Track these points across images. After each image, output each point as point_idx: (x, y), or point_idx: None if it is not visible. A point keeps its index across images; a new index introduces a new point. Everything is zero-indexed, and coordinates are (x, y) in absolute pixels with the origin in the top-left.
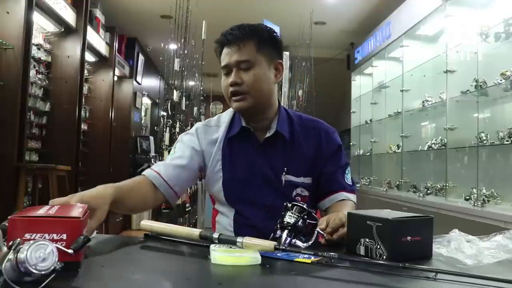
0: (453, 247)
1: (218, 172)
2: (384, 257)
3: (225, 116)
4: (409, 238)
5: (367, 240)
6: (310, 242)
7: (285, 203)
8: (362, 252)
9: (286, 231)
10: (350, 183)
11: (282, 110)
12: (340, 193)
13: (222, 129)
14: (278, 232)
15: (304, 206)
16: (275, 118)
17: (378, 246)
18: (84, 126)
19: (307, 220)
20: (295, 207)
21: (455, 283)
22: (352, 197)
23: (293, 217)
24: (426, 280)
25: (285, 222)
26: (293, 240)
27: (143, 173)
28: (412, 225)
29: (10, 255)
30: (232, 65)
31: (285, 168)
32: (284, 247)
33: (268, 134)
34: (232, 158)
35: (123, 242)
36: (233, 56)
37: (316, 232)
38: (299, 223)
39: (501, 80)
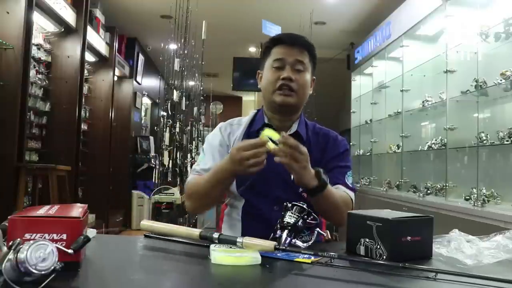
0: (453, 247)
1: None
2: (384, 257)
3: (246, 117)
4: (409, 238)
5: (367, 240)
6: (310, 242)
7: (285, 203)
8: (362, 252)
9: (286, 231)
10: (350, 184)
11: (302, 116)
12: (337, 185)
13: (242, 127)
14: (278, 232)
15: (304, 206)
16: (296, 120)
17: (378, 246)
18: (84, 126)
19: (307, 220)
20: (295, 207)
21: (455, 283)
22: (350, 193)
23: (293, 217)
24: (426, 280)
25: (285, 222)
26: (293, 240)
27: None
28: (412, 225)
29: (10, 255)
30: (289, 62)
31: None
32: (284, 247)
33: (288, 132)
34: None
35: (123, 242)
36: (292, 55)
37: (316, 232)
38: (299, 223)
39: (501, 80)
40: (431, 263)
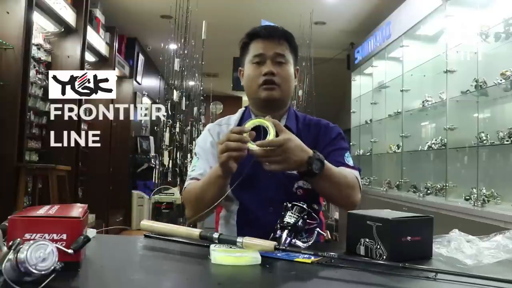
0: (453, 247)
1: None
2: (384, 257)
3: (235, 116)
4: (409, 238)
5: (367, 240)
6: (310, 242)
7: (285, 203)
8: (362, 252)
9: (286, 231)
10: (351, 164)
11: (291, 109)
12: (340, 167)
13: (232, 126)
14: (278, 232)
15: (304, 206)
16: (284, 115)
17: (378, 246)
18: (84, 126)
19: (307, 220)
20: (295, 207)
21: (455, 283)
22: (354, 172)
23: (293, 217)
24: (426, 280)
25: (285, 222)
26: (293, 240)
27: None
28: (412, 225)
29: (10, 255)
30: (269, 56)
31: None
32: (284, 247)
33: None
34: None
35: (123, 242)
36: (271, 48)
37: (316, 232)
38: (299, 223)
39: (501, 80)
40: (431, 263)
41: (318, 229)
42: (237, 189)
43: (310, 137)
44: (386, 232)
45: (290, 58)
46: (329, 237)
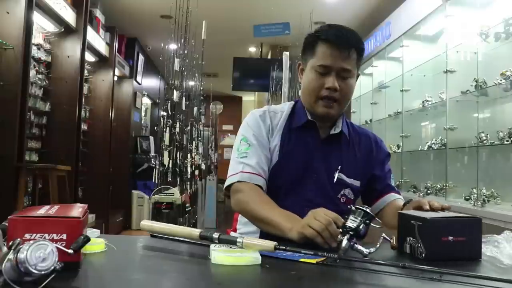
0: (500, 248)
1: (273, 156)
2: (424, 255)
3: (283, 106)
4: (450, 238)
5: (411, 238)
6: (373, 249)
7: (349, 206)
8: (407, 250)
9: (347, 236)
10: (395, 187)
11: (344, 115)
12: (391, 194)
13: (282, 117)
14: (339, 237)
15: (368, 210)
16: (339, 118)
17: (419, 245)
18: (84, 126)
19: (370, 225)
20: (358, 210)
21: (456, 283)
22: (401, 198)
23: (355, 221)
24: (428, 280)
25: (346, 227)
26: (355, 245)
27: (244, 180)
28: (455, 226)
29: (10, 255)
30: (335, 70)
31: (339, 167)
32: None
33: (333, 131)
34: (290, 147)
35: (123, 242)
36: (340, 62)
37: (382, 237)
38: (361, 227)
39: (501, 80)
40: (479, 265)
41: (384, 234)
42: (278, 183)
43: (362, 148)
44: (425, 231)
45: (355, 70)
46: (395, 243)
